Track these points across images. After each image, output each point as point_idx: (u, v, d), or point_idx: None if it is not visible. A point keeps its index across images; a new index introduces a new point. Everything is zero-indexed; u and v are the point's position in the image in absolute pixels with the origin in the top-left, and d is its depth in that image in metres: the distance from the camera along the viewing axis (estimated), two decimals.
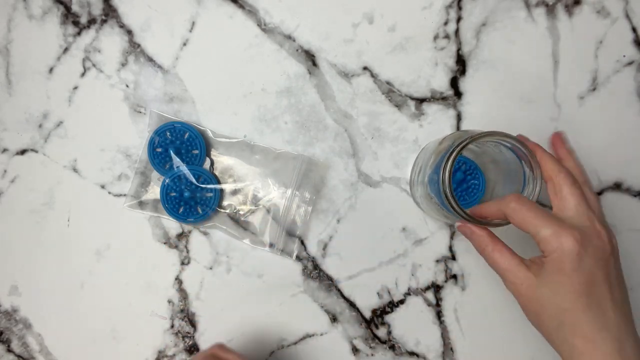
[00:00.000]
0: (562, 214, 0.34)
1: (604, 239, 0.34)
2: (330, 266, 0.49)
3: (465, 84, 0.48)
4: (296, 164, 0.48)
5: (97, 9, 0.50)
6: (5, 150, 0.51)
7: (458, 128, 0.48)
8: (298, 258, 0.49)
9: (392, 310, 0.48)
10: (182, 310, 0.50)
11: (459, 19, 0.47)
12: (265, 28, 0.49)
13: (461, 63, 0.48)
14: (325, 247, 0.49)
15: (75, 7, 0.50)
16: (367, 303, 0.49)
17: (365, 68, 0.48)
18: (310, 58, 0.49)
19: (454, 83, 0.48)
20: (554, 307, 0.33)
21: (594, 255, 0.32)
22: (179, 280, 0.50)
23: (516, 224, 0.34)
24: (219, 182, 0.49)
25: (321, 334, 0.49)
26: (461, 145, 0.36)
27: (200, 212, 0.48)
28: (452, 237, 0.48)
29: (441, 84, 0.48)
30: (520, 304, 0.35)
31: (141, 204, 0.49)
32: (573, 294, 0.32)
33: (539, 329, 0.35)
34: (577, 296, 0.32)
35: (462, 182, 0.47)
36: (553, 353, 0.46)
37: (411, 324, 0.48)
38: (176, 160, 0.47)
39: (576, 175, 0.37)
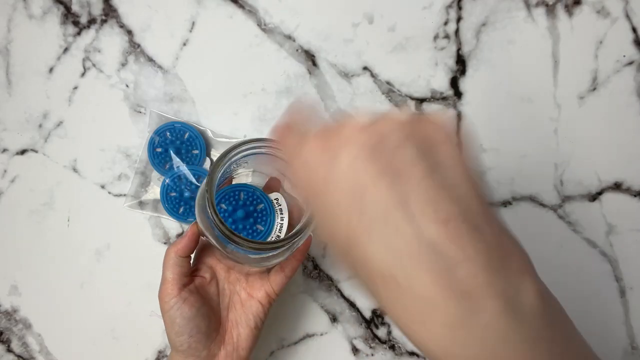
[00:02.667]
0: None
1: (363, 125, 0.22)
2: (330, 266, 0.49)
3: (465, 84, 0.48)
4: None
5: (97, 9, 0.50)
6: (5, 150, 0.51)
7: (458, 128, 0.48)
8: None
9: None
10: None
11: (459, 19, 0.47)
12: (265, 28, 0.49)
13: (461, 63, 0.48)
14: (325, 247, 0.49)
15: (75, 7, 0.50)
16: (367, 303, 0.49)
17: (365, 68, 0.48)
18: (310, 58, 0.49)
19: (454, 83, 0.48)
20: (340, 246, 0.22)
21: (347, 148, 0.21)
22: None
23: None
24: None
25: (321, 334, 0.49)
26: (212, 177, 0.33)
27: None
28: None
29: (441, 84, 0.48)
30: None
31: (141, 204, 0.49)
32: (343, 216, 0.21)
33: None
34: (348, 217, 0.21)
35: (249, 216, 0.42)
36: None
37: None
38: (176, 160, 0.47)
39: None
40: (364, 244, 0.21)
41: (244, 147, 0.35)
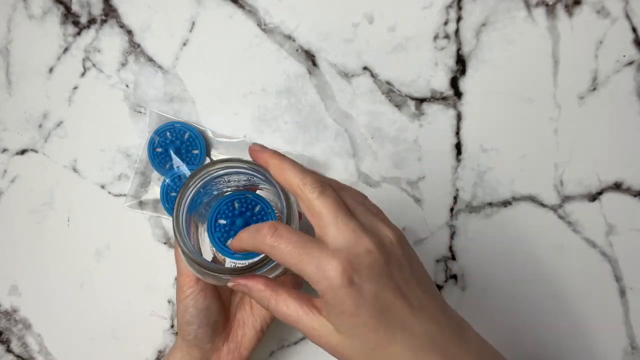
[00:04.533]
0: (325, 236, 0.28)
1: (373, 250, 0.28)
2: None
3: (465, 84, 0.48)
4: None
5: (97, 9, 0.50)
6: (5, 150, 0.51)
7: (458, 128, 0.48)
8: None
9: None
10: None
11: (459, 19, 0.47)
12: (265, 28, 0.49)
13: (461, 63, 0.48)
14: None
15: (75, 7, 0.50)
16: None
17: (365, 68, 0.48)
18: (310, 58, 0.49)
19: (454, 83, 0.48)
20: (361, 352, 0.28)
21: (370, 277, 0.27)
22: None
23: (279, 263, 0.29)
24: None
25: None
26: (178, 204, 0.33)
27: None
28: (452, 237, 0.48)
29: (441, 84, 0.48)
30: (333, 355, 0.29)
31: (141, 204, 0.49)
32: (370, 332, 0.27)
33: None
34: (375, 332, 0.27)
35: (249, 222, 0.40)
36: (552, 353, 0.46)
37: None
38: (176, 160, 0.47)
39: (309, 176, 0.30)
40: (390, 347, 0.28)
41: (205, 172, 0.34)
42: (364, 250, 0.28)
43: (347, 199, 0.30)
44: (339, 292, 0.27)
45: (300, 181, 0.29)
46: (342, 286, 0.27)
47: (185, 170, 0.47)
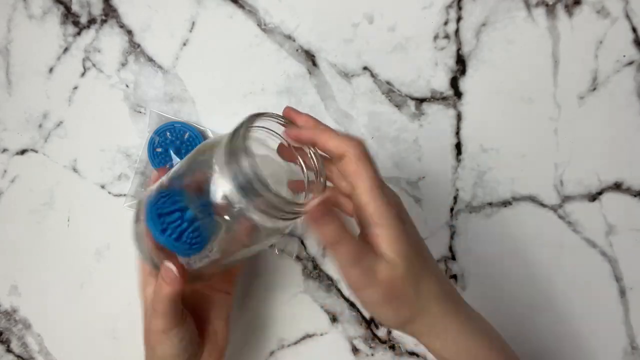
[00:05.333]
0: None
1: (399, 199, 0.37)
2: (330, 266, 0.49)
3: (465, 84, 0.48)
4: None
5: (97, 9, 0.50)
6: (5, 150, 0.51)
7: (458, 128, 0.48)
8: (298, 258, 0.49)
9: None
10: None
11: (459, 19, 0.47)
12: (265, 28, 0.49)
13: (461, 63, 0.48)
14: (325, 246, 0.49)
15: (75, 7, 0.50)
16: None
17: (365, 68, 0.48)
18: (310, 58, 0.49)
19: (454, 83, 0.48)
20: (409, 276, 0.32)
21: (406, 213, 0.36)
22: None
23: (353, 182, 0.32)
24: None
25: (321, 334, 0.49)
26: (246, 127, 0.32)
27: None
28: (452, 237, 0.48)
29: (441, 84, 0.48)
30: (378, 295, 0.31)
31: None
32: (415, 256, 0.32)
33: (396, 312, 0.32)
34: (417, 256, 0.33)
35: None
36: (552, 353, 0.45)
37: None
38: (176, 160, 0.47)
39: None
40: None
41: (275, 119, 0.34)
42: (397, 196, 0.36)
43: None
44: (392, 222, 0.31)
45: (348, 142, 0.33)
46: (395, 217, 0.32)
47: None
